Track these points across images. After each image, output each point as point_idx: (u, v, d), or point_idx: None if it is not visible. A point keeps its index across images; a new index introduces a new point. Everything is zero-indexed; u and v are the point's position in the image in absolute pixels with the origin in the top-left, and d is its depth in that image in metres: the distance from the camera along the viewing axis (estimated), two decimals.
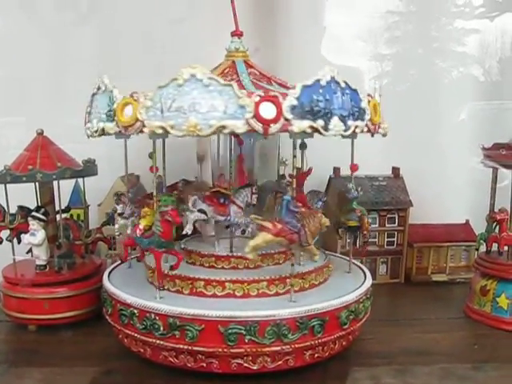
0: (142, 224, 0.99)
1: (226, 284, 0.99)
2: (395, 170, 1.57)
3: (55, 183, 1.22)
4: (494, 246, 1.29)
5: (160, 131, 0.85)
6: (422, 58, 1.65)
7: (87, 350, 1.09)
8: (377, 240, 1.53)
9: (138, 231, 0.99)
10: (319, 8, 1.60)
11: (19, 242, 1.24)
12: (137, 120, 0.87)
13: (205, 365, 0.93)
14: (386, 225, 1.52)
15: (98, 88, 0.97)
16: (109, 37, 1.52)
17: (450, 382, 0.97)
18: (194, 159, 1.36)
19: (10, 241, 1.22)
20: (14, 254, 1.23)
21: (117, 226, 1.17)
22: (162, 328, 0.93)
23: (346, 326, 0.98)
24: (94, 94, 0.99)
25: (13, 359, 1.08)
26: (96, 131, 0.96)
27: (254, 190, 1.09)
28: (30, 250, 1.28)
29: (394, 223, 1.53)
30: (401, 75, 1.64)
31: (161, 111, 0.85)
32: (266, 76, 1.07)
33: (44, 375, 0.99)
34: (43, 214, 1.19)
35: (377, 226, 1.51)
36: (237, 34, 1.10)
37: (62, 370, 1.01)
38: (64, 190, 1.25)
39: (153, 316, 0.94)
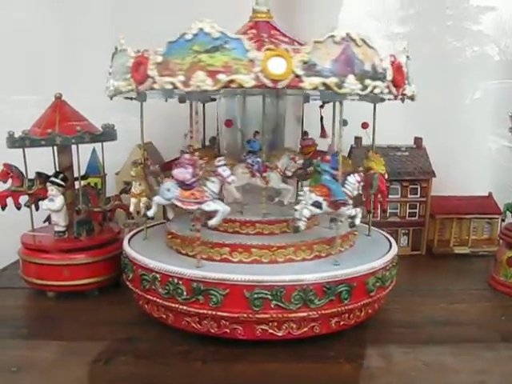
0: None
1: (252, 250, 0.97)
2: (418, 141, 1.54)
3: (74, 148, 1.19)
4: None
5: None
6: (435, 36, 1.62)
7: (107, 317, 1.08)
8: (398, 211, 1.50)
9: None
10: None
11: (37, 208, 1.23)
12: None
13: (228, 331, 0.91)
14: (409, 195, 1.49)
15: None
16: (121, 13, 1.50)
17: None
18: None
19: (29, 206, 1.21)
20: (32, 220, 1.21)
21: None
22: (185, 293, 0.91)
23: (372, 294, 0.96)
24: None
25: (32, 325, 1.07)
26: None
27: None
28: (47, 219, 1.27)
29: (417, 194, 1.50)
30: (413, 54, 1.59)
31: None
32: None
33: (63, 342, 0.98)
34: (62, 180, 1.17)
35: (399, 196, 1.49)
36: None
37: (82, 338, 1.00)
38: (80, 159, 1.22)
39: (176, 280, 0.92)
